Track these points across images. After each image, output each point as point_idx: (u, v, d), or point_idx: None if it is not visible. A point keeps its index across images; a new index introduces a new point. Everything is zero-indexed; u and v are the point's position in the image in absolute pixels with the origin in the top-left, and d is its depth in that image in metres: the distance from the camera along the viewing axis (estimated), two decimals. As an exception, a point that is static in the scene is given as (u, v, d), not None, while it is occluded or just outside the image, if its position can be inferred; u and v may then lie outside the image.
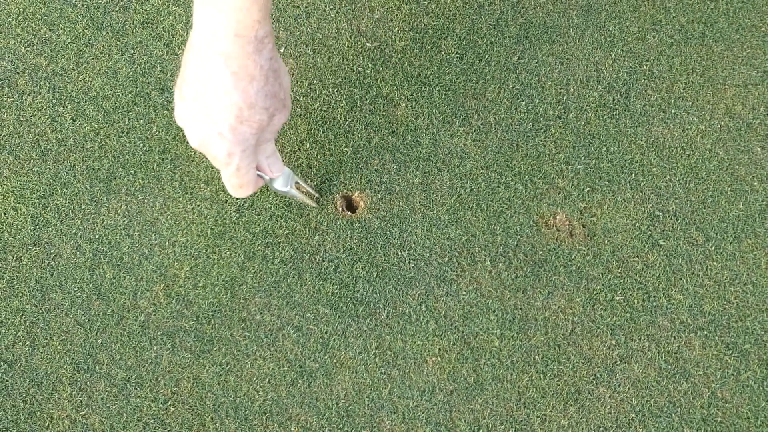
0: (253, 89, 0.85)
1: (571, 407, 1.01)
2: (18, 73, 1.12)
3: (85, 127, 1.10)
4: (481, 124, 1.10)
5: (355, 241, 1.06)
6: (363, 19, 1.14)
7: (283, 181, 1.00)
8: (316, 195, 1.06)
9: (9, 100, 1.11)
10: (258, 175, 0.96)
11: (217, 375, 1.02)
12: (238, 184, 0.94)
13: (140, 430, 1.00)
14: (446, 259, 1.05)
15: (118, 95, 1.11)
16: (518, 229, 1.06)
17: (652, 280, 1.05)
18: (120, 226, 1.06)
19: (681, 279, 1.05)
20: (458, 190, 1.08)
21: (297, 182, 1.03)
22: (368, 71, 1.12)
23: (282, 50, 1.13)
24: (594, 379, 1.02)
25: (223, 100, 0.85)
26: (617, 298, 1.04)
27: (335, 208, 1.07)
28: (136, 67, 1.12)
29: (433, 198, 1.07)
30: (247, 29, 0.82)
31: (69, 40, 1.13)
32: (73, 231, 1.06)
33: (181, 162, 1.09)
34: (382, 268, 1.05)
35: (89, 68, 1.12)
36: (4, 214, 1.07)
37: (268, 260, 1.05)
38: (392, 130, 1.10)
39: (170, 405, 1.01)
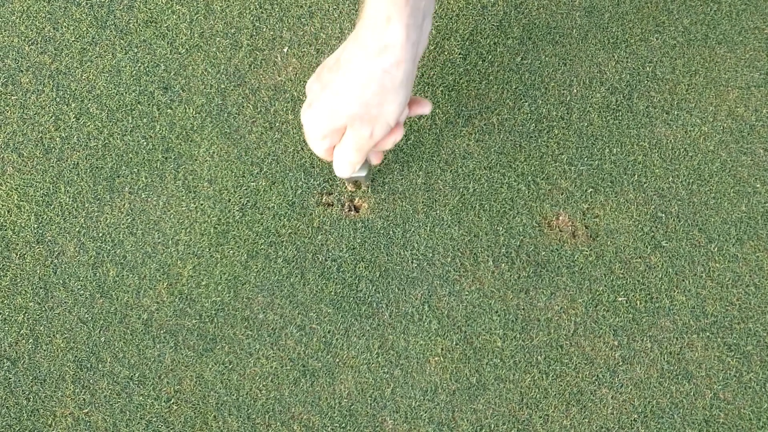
0: (357, 86, 0.85)
1: (573, 408, 1.01)
2: (22, 71, 1.12)
3: (88, 126, 1.10)
4: (484, 124, 1.10)
5: (358, 240, 1.06)
6: (367, 19, 1.14)
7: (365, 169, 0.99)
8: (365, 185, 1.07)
9: (13, 98, 1.11)
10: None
11: (220, 373, 1.02)
12: (363, 156, 0.93)
13: (143, 428, 1.00)
14: (449, 260, 1.05)
15: (122, 94, 1.11)
16: (521, 229, 1.07)
17: (654, 281, 1.05)
18: (123, 224, 1.06)
19: (683, 280, 1.05)
20: (461, 190, 1.08)
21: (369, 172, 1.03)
22: (372, 71, 1.12)
23: (285, 50, 1.13)
24: (596, 379, 1.02)
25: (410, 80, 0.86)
26: (620, 299, 1.04)
27: (339, 207, 1.07)
28: (140, 66, 1.12)
29: (436, 198, 1.07)
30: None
31: (73, 39, 1.13)
32: (77, 229, 1.06)
33: (184, 161, 1.09)
34: (385, 267, 1.05)
35: (93, 67, 1.12)
36: (8, 211, 1.07)
37: (271, 259, 1.05)
38: (395, 130, 1.10)
39: (173, 403, 1.01)
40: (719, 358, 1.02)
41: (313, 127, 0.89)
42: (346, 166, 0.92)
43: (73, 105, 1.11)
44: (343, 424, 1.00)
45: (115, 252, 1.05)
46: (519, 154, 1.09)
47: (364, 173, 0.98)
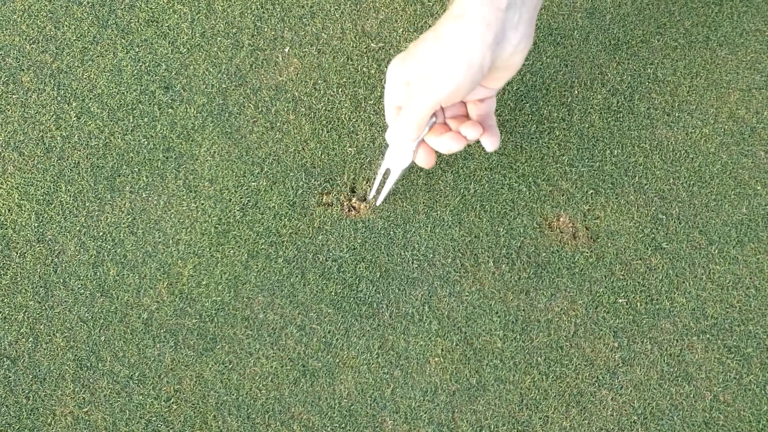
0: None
1: (573, 409, 1.01)
2: (23, 70, 1.12)
3: (89, 125, 1.10)
4: (486, 125, 1.10)
5: (359, 241, 1.06)
6: (368, 19, 1.14)
7: (410, 149, 0.98)
8: (380, 198, 1.05)
9: (14, 97, 1.11)
10: None
11: (220, 373, 1.02)
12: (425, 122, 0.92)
13: (143, 428, 1.00)
14: (449, 260, 1.05)
15: (123, 93, 1.11)
16: (521, 230, 1.07)
17: (654, 283, 1.05)
18: (124, 223, 1.06)
19: (684, 282, 1.05)
20: (462, 191, 1.08)
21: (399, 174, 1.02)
22: (372, 71, 1.12)
23: (287, 50, 1.13)
24: (596, 381, 1.02)
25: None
26: (620, 300, 1.04)
27: (339, 207, 1.07)
28: (141, 65, 1.12)
29: (436, 199, 1.07)
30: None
31: (74, 38, 1.13)
32: (77, 228, 1.06)
33: (185, 160, 1.09)
34: (386, 268, 1.05)
35: (94, 66, 1.12)
36: (9, 210, 1.07)
37: (272, 259, 1.05)
38: (396, 131, 1.10)
39: (173, 403, 1.01)
40: (719, 360, 1.02)
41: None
42: (416, 127, 0.91)
43: (74, 104, 1.11)
44: (343, 424, 1.00)
45: (115, 251, 1.05)
46: (520, 155, 1.09)
47: (407, 164, 0.98)
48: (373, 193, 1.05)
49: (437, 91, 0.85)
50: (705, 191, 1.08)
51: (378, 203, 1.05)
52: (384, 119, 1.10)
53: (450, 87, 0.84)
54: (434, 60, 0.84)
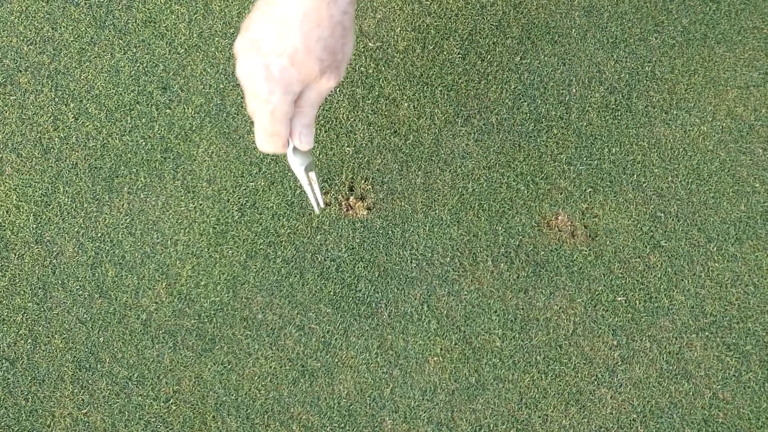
0: (314, 35, 0.80)
1: (572, 407, 1.01)
2: (21, 71, 1.12)
3: (87, 126, 1.10)
4: (483, 124, 1.10)
5: (357, 240, 1.06)
6: (365, 18, 1.14)
7: (302, 158, 0.93)
8: (321, 202, 1.03)
9: (11, 98, 1.11)
10: None
11: (219, 374, 1.02)
12: (270, 131, 0.85)
13: (142, 429, 1.00)
14: (448, 259, 1.05)
15: (121, 94, 1.11)
16: (520, 229, 1.07)
17: (653, 280, 1.05)
18: (122, 224, 1.06)
19: (682, 280, 1.05)
20: (460, 190, 1.08)
21: (312, 173, 0.99)
22: (370, 71, 1.12)
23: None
24: (595, 379, 1.02)
25: (282, 37, 0.80)
26: (619, 298, 1.04)
27: (338, 207, 1.07)
28: (139, 66, 1.12)
29: (435, 198, 1.07)
30: None
31: (71, 39, 1.13)
32: (75, 229, 1.06)
33: (183, 161, 1.09)
34: (384, 267, 1.05)
35: (92, 67, 1.12)
36: (7, 212, 1.07)
37: (270, 259, 1.05)
38: (394, 130, 1.10)
39: (172, 403, 1.01)
40: (718, 358, 1.02)
41: (274, 83, 0.82)
42: (310, 132, 0.87)
43: (71, 105, 1.11)
44: (342, 424, 1.00)
45: (113, 252, 1.05)
46: (518, 154, 1.09)
47: (298, 166, 0.94)
48: (313, 202, 1.01)
49: (278, 62, 0.80)
50: (703, 189, 1.08)
51: (317, 211, 1.02)
52: (383, 119, 1.10)
53: (288, 49, 0.79)
54: (270, 24, 0.80)
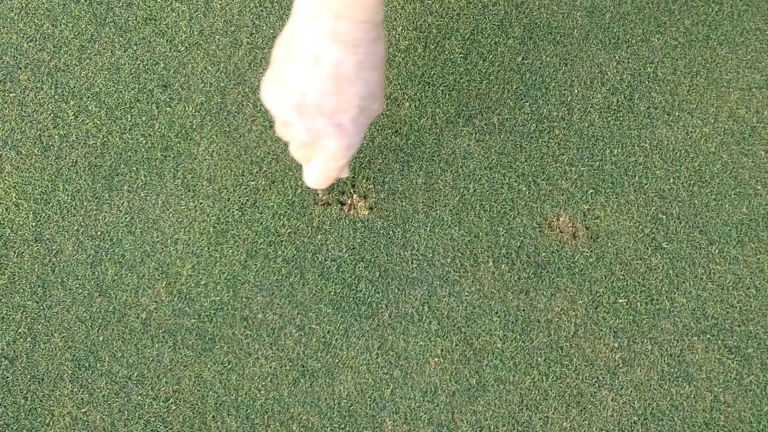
0: (374, 78, 0.76)
1: (573, 410, 1.01)
2: (20, 68, 1.11)
3: (87, 124, 1.09)
4: (485, 124, 1.10)
5: (358, 240, 1.06)
6: (367, 17, 1.14)
7: None
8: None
9: (11, 95, 1.10)
10: None
11: (219, 374, 1.01)
12: (335, 174, 0.84)
13: (141, 428, 1.00)
14: (449, 260, 1.05)
15: (121, 92, 1.11)
16: (521, 230, 1.06)
17: (655, 283, 1.05)
18: (122, 223, 1.06)
19: (684, 282, 1.05)
20: (461, 190, 1.07)
21: None
22: (372, 70, 1.12)
23: (286, 48, 1.12)
24: (596, 381, 1.02)
25: (346, 91, 0.76)
26: (620, 300, 1.04)
27: (339, 206, 1.07)
28: (139, 64, 1.12)
29: (436, 198, 1.07)
30: (369, 13, 0.73)
31: (72, 36, 1.13)
32: (75, 227, 1.06)
33: (183, 159, 1.08)
34: (385, 268, 1.05)
35: (92, 64, 1.12)
36: (6, 209, 1.06)
37: (271, 259, 1.05)
38: (395, 130, 1.10)
39: (171, 403, 1.01)
40: (720, 361, 1.02)
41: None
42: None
43: (71, 102, 1.10)
44: (343, 425, 1.00)
45: (113, 251, 1.05)
46: (520, 155, 1.09)
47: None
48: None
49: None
50: (705, 191, 1.08)
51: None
52: (384, 119, 1.10)
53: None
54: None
